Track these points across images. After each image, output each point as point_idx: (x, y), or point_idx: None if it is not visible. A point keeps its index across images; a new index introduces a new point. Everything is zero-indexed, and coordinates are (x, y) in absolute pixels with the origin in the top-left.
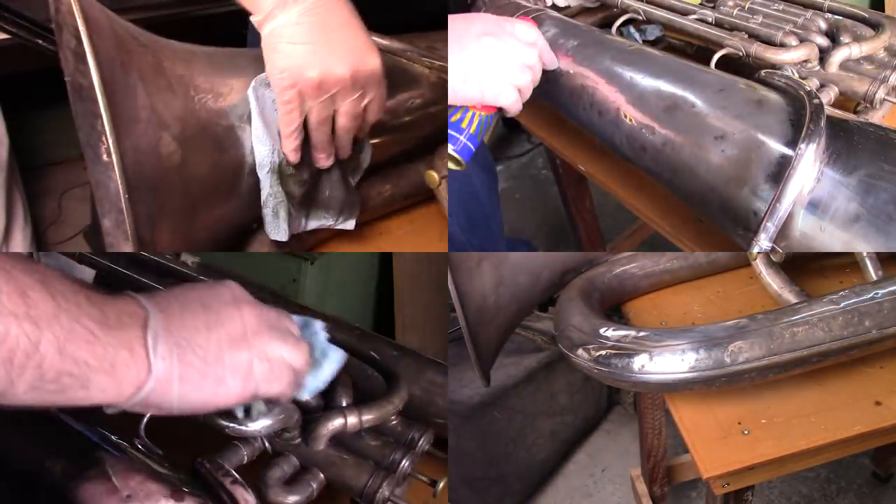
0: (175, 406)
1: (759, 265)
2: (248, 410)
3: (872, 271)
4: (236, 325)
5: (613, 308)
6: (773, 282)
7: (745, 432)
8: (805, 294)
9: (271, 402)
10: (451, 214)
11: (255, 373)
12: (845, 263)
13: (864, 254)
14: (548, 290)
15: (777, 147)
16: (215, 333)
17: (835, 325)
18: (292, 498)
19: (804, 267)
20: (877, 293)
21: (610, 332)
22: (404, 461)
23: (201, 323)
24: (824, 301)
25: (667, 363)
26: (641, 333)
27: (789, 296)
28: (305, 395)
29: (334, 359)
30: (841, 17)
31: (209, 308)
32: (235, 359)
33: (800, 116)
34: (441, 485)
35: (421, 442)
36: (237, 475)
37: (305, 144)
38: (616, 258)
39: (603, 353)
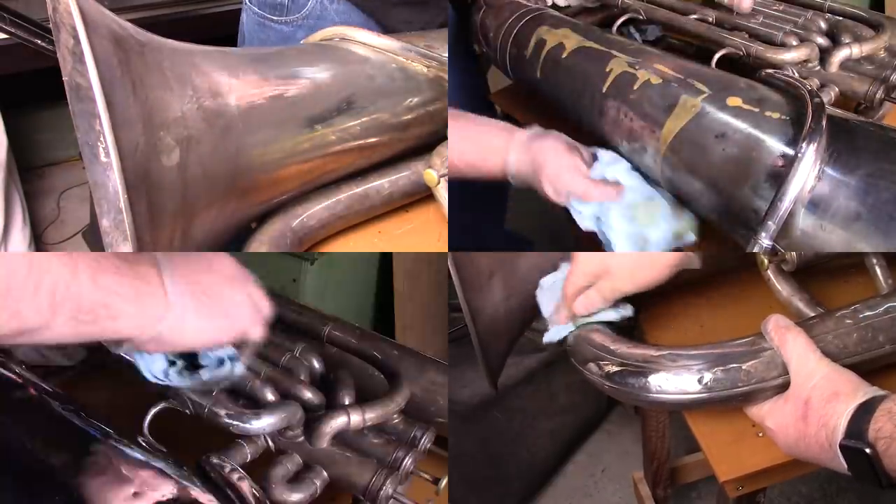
0: (188, 340)
1: (769, 273)
2: (220, 361)
3: (882, 280)
4: (230, 268)
5: None
6: (782, 289)
7: (760, 434)
8: (814, 301)
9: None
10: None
11: (244, 312)
12: (849, 264)
13: (874, 262)
14: None
15: (778, 146)
16: (215, 275)
17: (850, 342)
18: (296, 496)
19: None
20: (891, 306)
21: (624, 350)
22: (407, 459)
23: (203, 266)
24: (838, 317)
25: (683, 383)
26: (656, 353)
27: (799, 304)
28: None
29: None
30: (841, 18)
31: (203, 255)
32: (234, 296)
33: (800, 115)
34: (444, 482)
35: (423, 440)
36: (242, 471)
37: None
38: None
39: (616, 370)
